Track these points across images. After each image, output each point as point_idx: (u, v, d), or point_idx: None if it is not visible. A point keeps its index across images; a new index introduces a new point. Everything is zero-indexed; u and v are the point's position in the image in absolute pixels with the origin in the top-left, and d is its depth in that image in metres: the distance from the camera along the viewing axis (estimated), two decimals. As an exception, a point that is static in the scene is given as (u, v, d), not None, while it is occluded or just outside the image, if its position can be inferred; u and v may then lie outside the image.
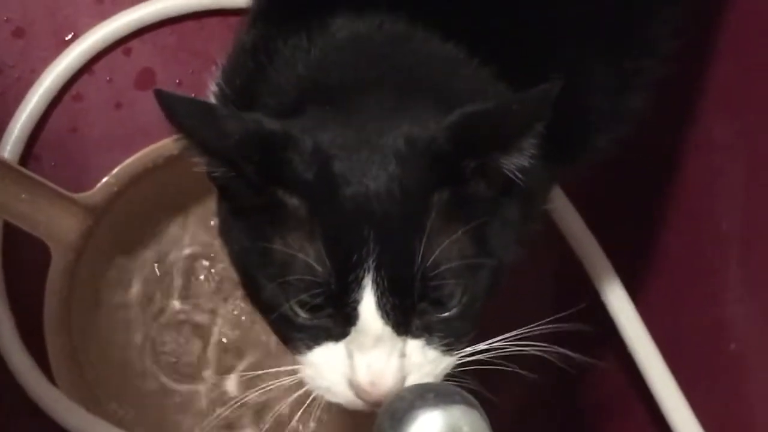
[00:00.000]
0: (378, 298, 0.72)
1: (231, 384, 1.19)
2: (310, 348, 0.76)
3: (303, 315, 0.75)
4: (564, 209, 1.12)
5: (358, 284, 0.72)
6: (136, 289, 1.22)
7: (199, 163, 0.75)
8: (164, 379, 1.22)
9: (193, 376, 1.22)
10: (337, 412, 0.91)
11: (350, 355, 0.75)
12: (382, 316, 0.73)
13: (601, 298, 1.10)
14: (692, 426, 1.04)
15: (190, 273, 1.24)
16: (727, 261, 1.04)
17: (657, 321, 1.09)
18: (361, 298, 0.72)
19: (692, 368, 1.07)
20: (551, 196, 0.96)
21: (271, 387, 0.83)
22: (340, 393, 0.77)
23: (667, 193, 1.12)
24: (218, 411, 1.18)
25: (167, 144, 1.15)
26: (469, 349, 0.79)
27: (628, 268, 1.12)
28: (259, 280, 0.76)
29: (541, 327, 0.81)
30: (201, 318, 1.23)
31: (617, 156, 0.92)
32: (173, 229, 1.23)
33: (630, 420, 1.17)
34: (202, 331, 1.23)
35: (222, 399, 1.19)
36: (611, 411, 1.23)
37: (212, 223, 1.22)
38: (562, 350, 0.83)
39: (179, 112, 0.73)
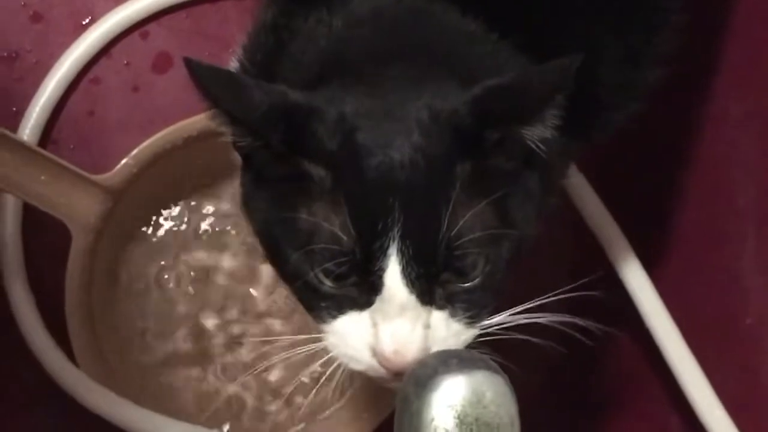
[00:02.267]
0: (403, 266, 0.73)
1: (247, 355, 1.20)
2: (334, 317, 0.77)
3: (328, 284, 0.76)
4: (579, 184, 1.12)
5: (383, 253, 0.72)
6: (155, 269, 1.23)
7: (226, 133, 0.76)
8: (182, 356, 1.22)
9: (210, 352, 1.23)
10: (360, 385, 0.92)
11: (375, 324, 0.75)
12: (407, 285, 0.73)
13: (617, 271, 1.10)
14: (709, 399, 1.04)
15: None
16: (742, 235, 1.04)
17: (673, 295, 1.10)
18: (386, 267, 0.73)
19: (709, 342, 1.08)
20: (569, 169, 0.97)
21: (296, 355, 0.83)
22: (364, 361, 0.77)
23: (683, 167, 1.13)
24: (238, 379, 1.19)
25: (185, 125, 1.15)
26: (489, 321, 0.79)
27: (644, 242, 1.12)
28: (283, 249, 0.77)
29: (557, 295, 0.82)
30: (218, 299, 1.25)
31: (632, 131, 0.92)
32: (192, 209, 1.24)
33: (646, 392, 1.17)
34: (219, 309, 1.24)
35: (238, 371, 1.20)
36: (628, 384, 1.23)
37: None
38: (579, 320, 0.84)
39: (208, 81, 0.73)
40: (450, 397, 0.69)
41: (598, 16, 0.88)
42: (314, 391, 0.87)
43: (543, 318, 0.81)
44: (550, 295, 0.81)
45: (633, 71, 0.92)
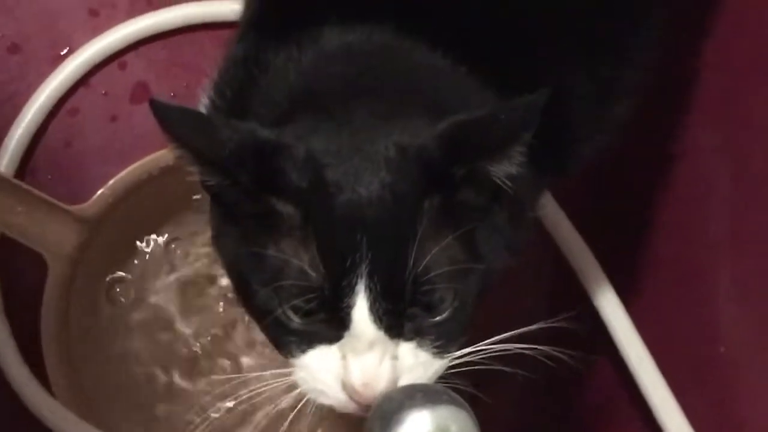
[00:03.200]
0: (371, 303, 0.73)
1: (224, 387, 1.20)
2: (303, 351, 0.77)
3: (296, 320, 0.76)
4: (555, 216, 1.13)
5: (351, 289, 0.73)
6: (132, 298, 1.23)
7: (193, 172, 0.76)
8: (159, 387, 1.22)
9: (188, 381, 1.23)
10: (330, 417, 0.92)
11: (344, 358, 0.76)
12: (375, 321, 0.74)
13: (593, 302, 1.11)
14: (682, 426, 1.05)
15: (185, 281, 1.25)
16: (716, 265, 1.05)
17: (648, 325, 1.10)
18: (355, 303, 0.73)
19: (683, 371, 1.08)
20: (540, 203, 0.98)
21: (264, 389, 0.83)
22: (333, 395, 0.78)
23: (657, 199, 1.13)
24: (210, 415, 1.18)
25: (162, 155, 1.16)
26: (460, 352, 0.80)
27: (620, 273, 1.13)
28: (252, 285, 0.77)
29: (531, 328, 0.82)
30: (195, 325, 1.24)
31: (606, 163, 0.93)
32: (170, 238, 1.24)
33: (621, 421, 1.17)
34: (197, 337, 1.24)
35: (215, 403, 1.20)
36: (603, 413, 1.23)
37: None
38: (552, 349, 0.84)
39: (174, 121, 0.74)
40: (414, 432, 0.69)
41: (567, 52, 0.88)
42: (285, 425, 0.86)
43: (517, 348, 0.81)
44: (524, 329, 0.82)
45: (602, 105, 0.92)
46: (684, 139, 1.09)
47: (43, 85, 1.21)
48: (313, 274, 0.73)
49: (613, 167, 0.95)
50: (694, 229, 1.09)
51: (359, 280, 0.72)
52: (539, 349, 0.83)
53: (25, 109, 1.20)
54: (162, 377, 1.22)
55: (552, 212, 1.13)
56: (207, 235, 1.13)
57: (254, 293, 0.77)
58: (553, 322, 0.83)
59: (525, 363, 0.83)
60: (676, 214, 1.12)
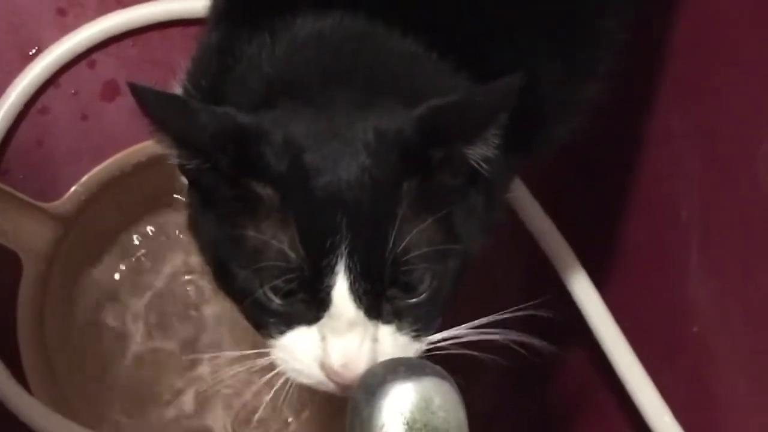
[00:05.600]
0: (351, 282, 0.74)
1: (202, 372, 1.21)
2: (282, 332, 0.78)
3: (276, 300, 0.76)
4: (525, 202, 1.14)
5: (331, 270, 0.73)
6: (107, 295, 1.23)
7: (172, 156, 0.77)
8: (136, 380, 1.23)
9: (165, 372, 1.23)
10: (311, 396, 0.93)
11: (323, 338, 0.76)
12: (355, 301, 0.74)
13: (567, 287, 1.12)
14: (657, 406, 1.06)
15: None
16: (687, 247, 1.06)
17: (622, 307, 1.12)
18: (334, 283, 0.74)
19: (657, 351, 1.09)
20: (512, 185, 0.98)
21: (241, 370, 0.84)
22: (313, 375, 0.78)
23: (628, 183, 1.14)
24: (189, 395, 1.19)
25: (134, 151, 1.17)
26: (437, 336, 0.81)
27: (592, 257, 1.14)
28: (231, 267, 0.78)
29: (506, 314, 0.83)
30: (171, 319, 1.24)
31: (578, 147, 0.94)
32: (143, 233, 1.24)
33: (598, 401, 1.18)
34: (172, 331, 1.24)
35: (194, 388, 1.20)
36: (580, 396, 1.24)
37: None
38: (527, 337, 0.85)
39: (154, 105, 0.74)
40: (399, 404, 0.70)
41: (539, 36, 0.89)
42: (262, 405, 0.87)
43: (492, 336, 0.82)
44: (501, 312, 0.83)
45: (573, 88, 0.93)
46: (654, 123, 1.10)
47: (12, 86, 1.21)
48: (293, 255, 0.74)
49: (583, 151, 0.96)
50: (664, 212, 1.10)
51: (339, 260, 0.73)
52: (513, 337, 0.84)
53: (-6, 109, 1.20)
54: (141, 374, 1.22)
55: (523, 198, 1.13)
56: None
57: (234, 275, 0.78)
58: (525, 308, 0.84)
59: (500, 349, 0.85)
60: (647, 198, 1.13)
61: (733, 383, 1.00)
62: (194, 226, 0.84)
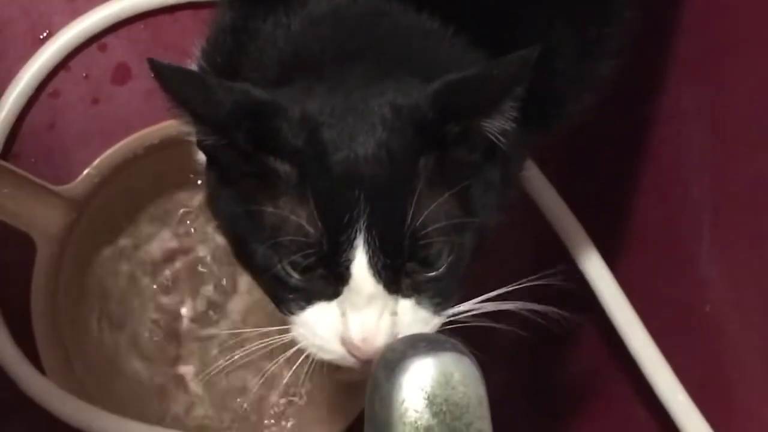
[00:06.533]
0: (369, 256, 0.74)
1: (219, 352, 1.21)
2: (302, 308, 0.79)
3: (295, 276, 0.77)
4: (538, 182, 1.14)
5: (349, 244, 0.74)
6: (121, 278, 1.23)
7: (190, 132, 0.77)
8: (150, 363, 1.23)
9: (181, 355, 1.24)
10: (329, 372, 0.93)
11: (343, 313, 0.77)
12: (374, 275, 0.75)
13: (579, 267, 1.12)
14: (671, 384, 1.06)
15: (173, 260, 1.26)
16: (699, 225, 1.06)
17: (633, 284, 1.12)
18: (353, 258, 0.74)
19: (670, 331, 1.10)
20: (526, 162, 0.99)
21: (261, 345, 0.84)
22: (333, 350, 0.79)
23: (639, 161, 1.15)
24: (204, 374, 1.20)
25: (146, 134, 1.17)
26: (456, 309, 0.81)
27: (604, 234, 1.14)
28: (250, 243, 0.78)
29: (520, 284, 0.83)
30: (184, 303, 1.25)
31: (589, 125, 0.94)
32: (157, 216, 1.24)
33: (610, 377, 1.19)
34: (185, 316, 1.25)
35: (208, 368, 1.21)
36: (593, 369, 1.25)
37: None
38: (542, 307, 0.85)
39: (173, 81, 0.74)
40: (419, 379, 0.70)
41: (553, 10, 0.89)
42: (283, 381, 0.87)
43: (508, 305, 0.82)
44: (516, 284, 0.83)
45: (587, 63, 0.93)
46: (666, 102, 1.10)
47: (23, 69, 1.21)
48: (312, 230, 0.74)
49: (594, 130, 0.96)
50: (676, 190, 1.10)
51: (357, 234, 0.73)
52: (530, 307, 0.84)
53: (6, 93, 1.20)
54: (155, 351, 1.23)
55: (535, 178, 1.14)
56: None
57: (253, 251, 0.78)
58: (539, 278, 0.85)
59: (515, 321, 0.85)
60: (658, 177, 1.13)
61: (747, 362, 1.01)
62: (213, 203, 0.84)
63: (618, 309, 1.11)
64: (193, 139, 0.78)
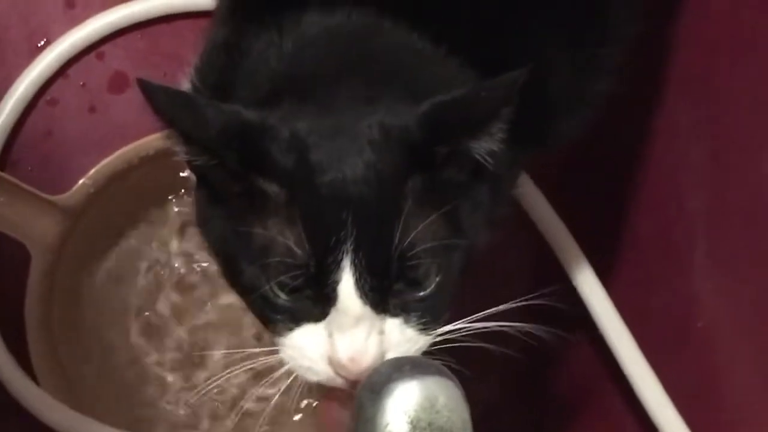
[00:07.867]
0: (356, 278, 0.74)
1: (208, 369, 1.21)
2: (290, 329, 0.78)
3: (283, 296, 0.77)
4: (531, 195, 1.14)
5: (337, 266, 0.74)
6: (115, 287, 1.23)
7: (180, 152, 0.77)
8: (144, 374, 1.23)
9: (172, 368, 1.24)
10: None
11: (330, 335, 0.77)
12: (361, 297, 0.75)
13: (572, 280, 1.12)
14: (662, 402, 1.06)
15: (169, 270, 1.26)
16: (693, 241, 1.06)
17: (627, 301, 1.11)
18: (340, 279, 0.74)
19: (662, 346, 1.09)
20: (519, 180, 0.99)
21: (252, 366, 0.84)
22: (321, 371, 0.79)
23: (634, 175, 1.14)
24: (195, 393, 1.19)
25: (142, 144, 1.17)
26: (445, 329, 0.81)
27: (597, 251, 1.14)
28: (239, 263, 0.78)
29: (512, 304, 0.83)
30: (179, 313, 1.25)
31: (584, 140, 0.94)
32: (151, 226, 1.24)
33: (602, 394, 1.18)
34: (181, 325, 1.25)
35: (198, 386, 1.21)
36: (584, 389, 1.24)
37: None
38: (534, 327, 0.85)
39: (162, 101, 0.74)
40: (403, 403, 0.70)
41: (549, 29, 0.90)
42: (272, 403, 0.87)
43: (498, 325, 0.82)
44: (508, 304, 0.83)
45: (584, 81, 0.94)
46: (662, 116, 1.10)
47: (20, 77, 1.21)
48: (299, 252, 0.74)
49: (590, 144, 0.96)
50: (671, 205, 1.10)
51: (345, 256, 0.73)
52: (519, 327, 0.84)
53: (3, 101, 1.20)
54: (148, 363, 1.23)
55: (529, 191, 1.13)
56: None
57: (241, 272, 0.78)
58: (531, 299, 0.85)
59: (506, 341, 0.85)
60: (653, 190, 1.13)
61: (737, 378, 1.00)
62: (202, 222, 0.84)
63: (609, 323, 1.10)
64: (183, 158, 0.78)
